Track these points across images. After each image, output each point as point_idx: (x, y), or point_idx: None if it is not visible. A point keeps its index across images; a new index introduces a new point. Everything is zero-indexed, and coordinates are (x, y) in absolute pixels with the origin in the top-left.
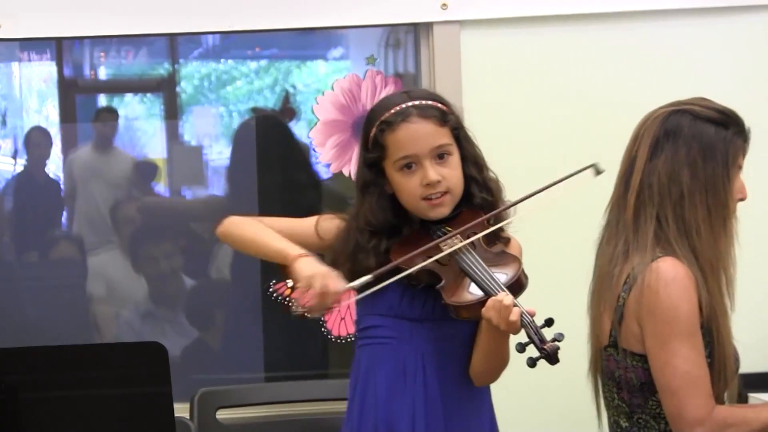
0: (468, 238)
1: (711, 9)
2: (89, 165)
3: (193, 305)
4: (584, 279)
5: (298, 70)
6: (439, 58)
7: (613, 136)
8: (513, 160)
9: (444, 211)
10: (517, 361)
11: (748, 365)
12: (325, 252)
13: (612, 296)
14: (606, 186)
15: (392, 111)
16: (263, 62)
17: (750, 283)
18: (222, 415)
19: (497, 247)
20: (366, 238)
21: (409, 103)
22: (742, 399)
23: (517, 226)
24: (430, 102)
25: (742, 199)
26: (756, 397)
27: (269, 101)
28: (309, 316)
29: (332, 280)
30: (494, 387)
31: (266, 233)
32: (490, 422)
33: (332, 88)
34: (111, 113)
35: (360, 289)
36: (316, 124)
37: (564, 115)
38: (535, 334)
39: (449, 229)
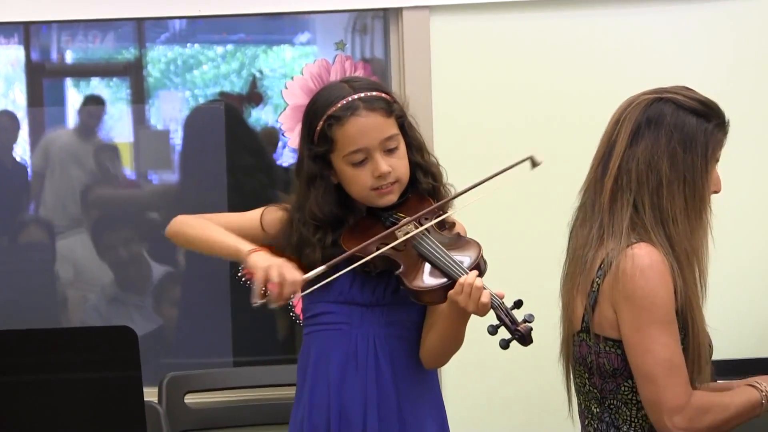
0: (421, 223)
1: None
2: (69, 149)
3: (161, 290)
4: (555, 263)
5: (265, 55)
6: (408, 43)
7: (582, 122)
8: (482, 146)
9: (393, 198)
10: (487, 346)
11: (719, 352)
12: (272, 244)
13: (585, 281)
14: (574, 170)
15: (339, 105)
16: (230, 47)
17: (720, 269)
18: (190, 399)
19: (450, 230)
20: (311, 231)
21: (355, 96)
22: None
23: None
24: (374, 93)
25: (716, 192)
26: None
27: (236, 86)
28: (268, 307)
29: (288, 270)
30: (464, 372)
31: (216, 231)
32: (438, 405)
33: (302, 73)
34: (98, 103)
35: (315, 280)
36: (285, 109)
37: (533, 101)
38: (506, 316)
39: (401, 215)
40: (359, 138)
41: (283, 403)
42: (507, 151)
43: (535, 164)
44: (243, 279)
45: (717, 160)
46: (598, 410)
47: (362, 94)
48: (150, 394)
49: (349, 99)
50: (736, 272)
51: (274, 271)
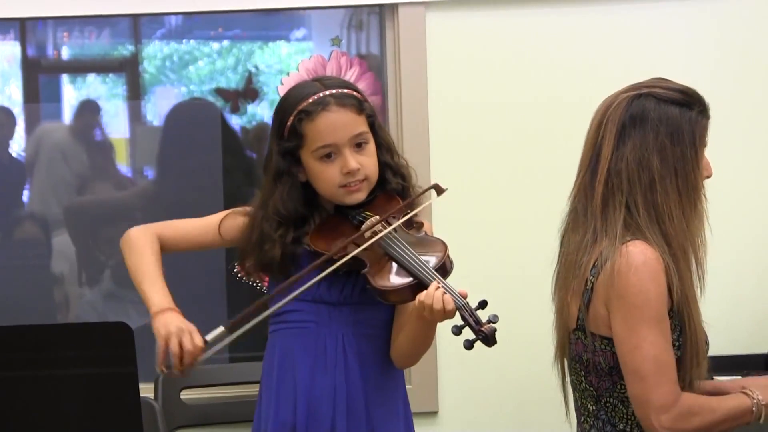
0: (389, 222)
1: None
2: (61, 146)
3: None
4: (548, 263)
5: (261, 51)
6: (404, 39)
7: (578, 119)
8: (478, 142)
9: (361, 196)
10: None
11: (714, 348)
12: (231, 247)
13: (579, 283)
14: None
15: (310, 100)
16: (226, 43)
17: (717, 265)
18: (186, 395)
19: (418, 230)
20: (273, 227)
21: (326, 92)
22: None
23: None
24: (346, 90)
25: (708, 177)
26: (723, 380)
27: (231, 82)
28: (174, 375)
29: (188, 338)
30: (461, 372)
31: (143, 271)
32: (404, 402)
33: (297, 69)
34: (94, 109)
35: (216, 342)
36: None
37: (529, 98)
38: (470, 316)
39: (368, 213)
40: (329, 133)
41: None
42: (502, 147)
43: (439, 192)
44: (238, 275)
45: (705, 146)
46: (594, 408)
47: (333, 91)
48: (146, 390)
49: (320, 95)
50: (730, 268)
51: (174, 340)
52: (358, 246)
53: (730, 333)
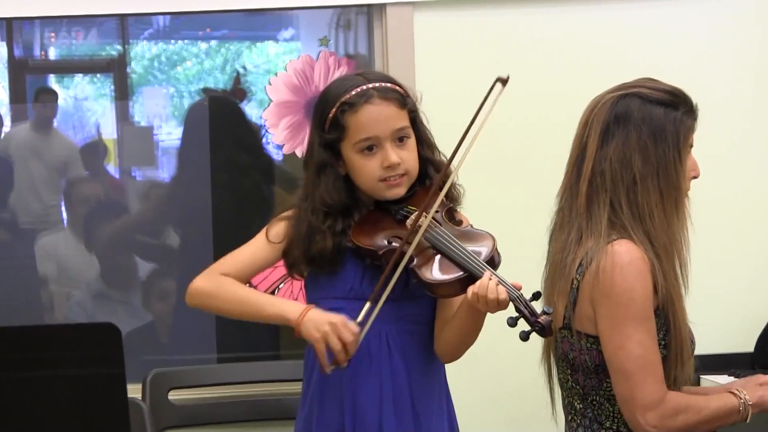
0: (433, 216)
1: None
2: (28, 145)
3: (146, 286)
4: (537, 264)
5: (249, 51)
6: (392, 39)
7: (567, 117)
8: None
9: (401, 191)
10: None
11: (702, 347)
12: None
13: (565, 283)
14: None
15: (353, 92)
16: (213, 43)
17: (703, 265)
18: (174, 396)
19: (462, 223)
20: (321, 218)
21: (369, 85)
22: (696, 381)
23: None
24: (389, 84)
25: (695, 177)
26: (709, 379)
27: (219, 82)
28: (341, 369)
29: (344, 329)
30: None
31: (249, 300)
32: (447, 397)
33: (285, 69)
34: (50, 94)
35: (365, 320)
36: (268, 104)
37: (517, 97)
38: (526, 308)
39: (412, 208)
40: (371, 126)
41: (267, 400)
42: (490, 147)
43: (504, 82)
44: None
45: (691, 146)
46: (581, 406)
47: (377, 84)
48: (134, 391)
49: (364, 87)
50: (717, 267)
51: (332, 339)
52: (409, 242)
53: (716, 332)
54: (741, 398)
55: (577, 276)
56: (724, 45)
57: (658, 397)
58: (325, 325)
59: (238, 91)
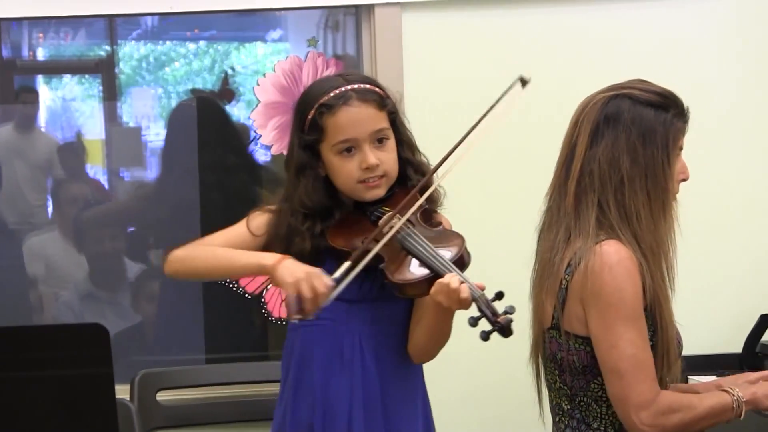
0: (406, 216)
1: None
2: (11, 145)
3: (134, 287)
4: (525, 262)
5: (237, 52)
6: (380, 40)
7: (556, 117)
8: (454, 143)
9: (379, 192)
10: (458, 343)
11: (690, 347)
12: (263, 246)
13: (554, 282)
14: (543, 171)
15: (332, 94)
16: (202, 43)
17: (691, 265)
18: (162, 396)
19: (436, 224)
20: (300, 220)
21: (348, 87)
22: (684, 381)
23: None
24: (368, 86)
25: (684, 180)
26: (696, 380)
27: (208, 83)
28: (307, 319)
29: (318, 279)
30: (434, 369)
31: (225, 253)
32: (424, 401)
33: (274, 70)
34: (31, 93)
35: (340, 279)
36: (257, 105)
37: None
38: (487, 308)
39: (387, 209)
40: (349, 127)
41: (255, 400)
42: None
43: (524, 82)
44: (236, 286)
45: (680, 149)
46: (568, 407)
47: (355, 86)
48: (122, 392)
49: (342, 89)
50: (705, 267)
51: (304, 286)
52: (378, 242)
53: (704, 332)
54: (734, 395)
55: (566, 276)
56: (718, 47)
57: (652, 396)
58: (300, 272)
59: (226, 92)
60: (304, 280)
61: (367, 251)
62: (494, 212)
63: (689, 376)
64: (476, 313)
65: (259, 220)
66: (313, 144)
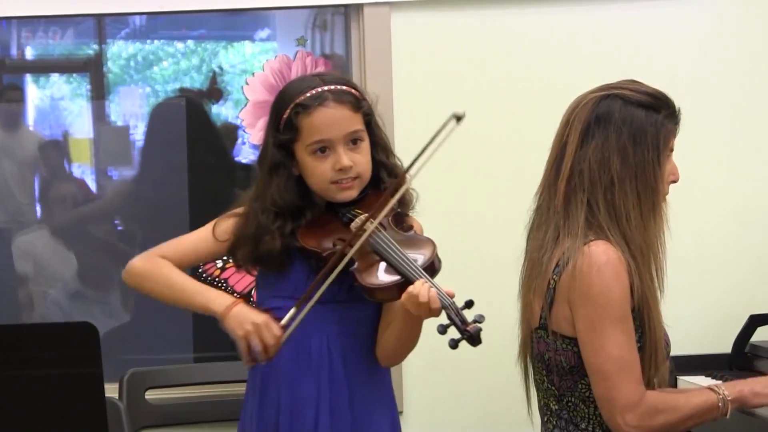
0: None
1: None
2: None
3: (123, 285)
4: (514, 261)
5: (225, 51)
6: (369, 39)
7: (545, 117)
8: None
9: (352, 194)
10: (445, 343)
11: (678, 348)
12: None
13: (542, 282)
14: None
15: (308, 94)
16: (190, 43)
17: (680, 265)
18: (151, 395)
19: (408, 228)
20: (271, 219)
21: (325, 88)
22: (673, 382)
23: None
24: (344, 87)
25: (674, 181)
26: (685, 380)
27: (196, 82)
28: (262, 364)
29: (266, 331)
30: (423, 369)
31: (179, 285)
32: (390, 403)
33: (262, 69)
34: (15, 91)
35: (288, 324)
36: (246, 104)
37: (494, 97)
38: (456, 316)
39: (358, 211)
40: (324, 128)
41: (243, 400)
42: (467, 147)
43: (459, 119)
44: (204, 275)
45: (671, 150)
46: (556, 407)
47: (332, 87)
48: (111, 390)
49: (319, 90)
50: (695, 268)
51: (254, 339)
52: (350, 245)
53: (694, 333)
54: (720, 394)
55: (554, 276)
56: (711, 48)
57: (637, 397)
58: (248, 324)
59: (214, 91)
60: (254, 332)
61: (342, 257)
62: (483, 210)
63: (678, 377)
64: (446, 321)
65: (223, 226)
66: (288, 143)
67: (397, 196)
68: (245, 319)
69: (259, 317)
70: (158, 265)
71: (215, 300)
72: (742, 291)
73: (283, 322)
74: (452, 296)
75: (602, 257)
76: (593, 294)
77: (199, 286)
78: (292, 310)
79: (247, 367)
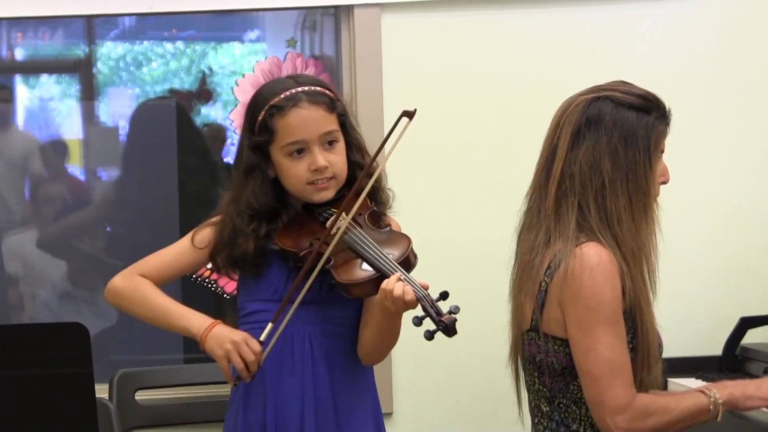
0: (353, 218)
1: None
2: None
3: None
4: (505, 263)
5: (214, 52)
6: (359, 41)
7: (535, 119)
8: (433, 143)
9: (328, 194)
10: (439, 343)
11: (670, 350)
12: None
13: (533, 284)
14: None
15: (282, 96)
16: (179, 44)
17: (671, 267)
18: (141, 396)
19: (384, 226)
20: (246, 221)
21: (299, 89)
22: (664, 384)
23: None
24: (318, 88)
25: (664, 182)
26: (677, 382)
27: (185, 83)
28: (246, 382)
29: (245, 348)
30: (416, 373)
31: (159, 306)
32: (374, 402)
33: (252, 70)
34: (4, 90)
35: (267, 341)
36: (236, 106)
37: (484, 98)
38: (431, 307)
39: (335, 210)
40: (299, 129)
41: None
42: (457, 148)
43: (410, 116)
44: (198, 280)
45: (662, 152)
46: (547, 409)
47: (306, 88)
48: (101, 391)
49: (293, 91)
50: (686, 270)
51: (235, 357)
52: (327, 243)
53: (684, 335)
54: (711, 397)
55: (546, 278)
56: (702, 49)
57: (627, 399)
58: (227, 343)
59: (203, 92)
60: (233, 351)
61: (318, 257)
62: (475, 212)
63: (669, 379)
64: (421, 313)
65: (202, 234)
66: (263, 145)
67: (365, 194)
68: (224, 339)
69: (238, 335)
70: (138, 286)
71: (193, 323)
72: (732, 293)
73: (262, 337)
74: (426, 288)
75: (594, 259)
76: (584, 296)
77: (178, 309)
78: (270, 325)
79: (231, 385)
